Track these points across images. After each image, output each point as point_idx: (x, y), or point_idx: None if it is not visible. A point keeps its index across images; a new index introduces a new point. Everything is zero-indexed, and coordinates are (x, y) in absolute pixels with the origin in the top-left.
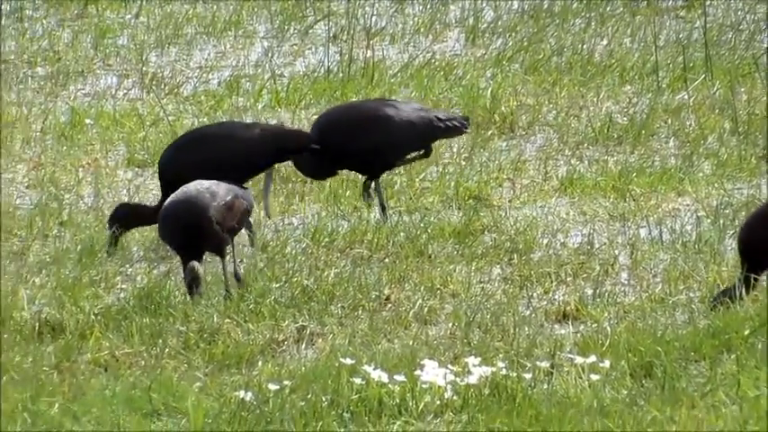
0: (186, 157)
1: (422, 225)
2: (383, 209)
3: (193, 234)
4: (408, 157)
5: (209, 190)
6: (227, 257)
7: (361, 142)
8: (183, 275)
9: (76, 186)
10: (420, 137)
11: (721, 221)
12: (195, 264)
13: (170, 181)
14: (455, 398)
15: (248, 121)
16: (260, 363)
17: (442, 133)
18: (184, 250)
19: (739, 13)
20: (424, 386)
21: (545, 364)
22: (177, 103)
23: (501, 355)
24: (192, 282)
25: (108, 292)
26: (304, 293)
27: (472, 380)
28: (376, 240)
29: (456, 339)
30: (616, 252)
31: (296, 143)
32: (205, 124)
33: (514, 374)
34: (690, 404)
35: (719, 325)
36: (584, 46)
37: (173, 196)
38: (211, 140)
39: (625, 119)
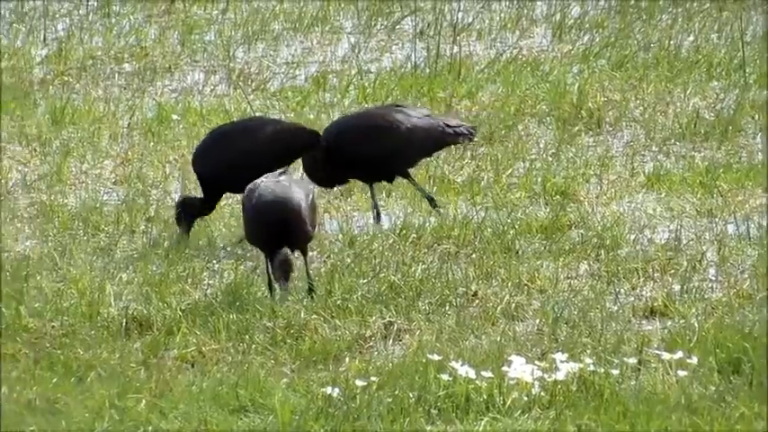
0: (210, 155)
1: (509, 221)
2: (378, 214)
3: (288, 231)
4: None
5: (295, 186)
6: (308, 254)
7: (372, 149)
8: (272, 268)
9: (163, 182)
10: (431, 144)
11: None
12: (286, 250)
13: (201, 177)
14: (542, 394)
15: (268, 117)
16: (347, 359)
17: (452, 139)
18: (277, 248)
19: None
20: (511, 382)
21: (632, 361)
22: (264, 98)
23: (588, 352)
24: (288, 268)
25: (195, 287)
26: (391, 289)
27: (560, 376)
28: (463, 236)
29: (543, 335)
30: (703, 248)
31: (304, 141)
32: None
33: (602, 371)
34: None
35: None
36: (671, 42)
37: (258, 193)
38: (232, 138)
39: (712, 115)
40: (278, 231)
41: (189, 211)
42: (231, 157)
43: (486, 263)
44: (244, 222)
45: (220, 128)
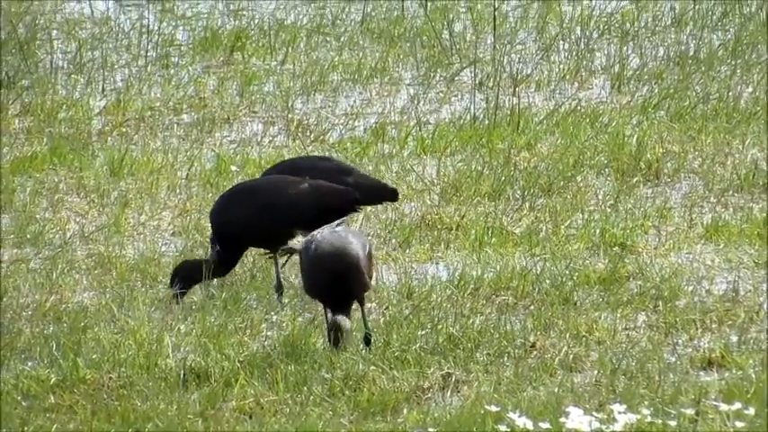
0: (232, 211)
1: (567, 272)
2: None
3: (347, 282)
4: None
5: (352, 237)
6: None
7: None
8: (328, 325)
9: None
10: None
11: None
12: (342, 319)
13: (219, 234)
14: None
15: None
16: (405, 410)
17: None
18: (335, 300)
19: None
20: None
21: (690, 412)
22: (323, 150)
23: (646, 403)
24: (338, 335)
25: (253, 339)
26: (449, 340)
27: (617, 427)
28: (521, 288)
29: (601, 386)
30: (761, 299)
31: (339, 201)
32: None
33: (659, 422)
34: None
35: None
36: (730, 93)
37: (315, 245)
38: (258, 195)
39: None
40: (339, 281)
41: (190, 276)
42: (257, 214)
43: (545, 314)
44: (302, 274)
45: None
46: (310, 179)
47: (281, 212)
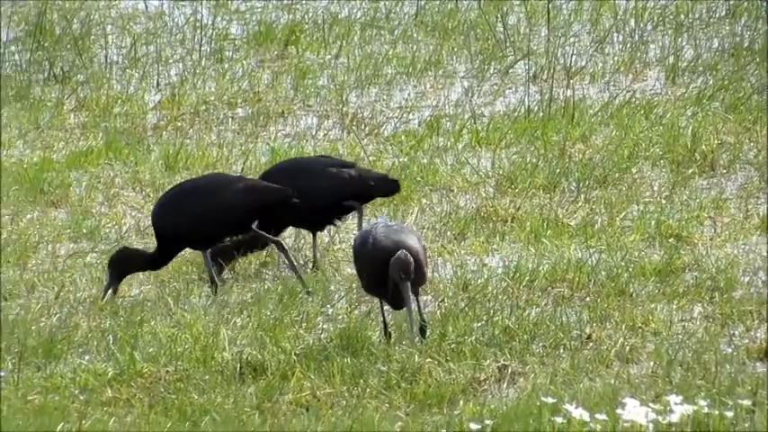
0: (174, 211)
1: (623, 264)
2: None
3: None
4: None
5: (407, 230)
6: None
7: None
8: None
9: None
10: None
11: None
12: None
13: (160, 234)
14: None
15: (234, 175)
16: (461, 402)
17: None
18: (394, 293)
19: None
20: (625, 425)
21: (747, 402)
22: (377, 143)
23: (702, 394)
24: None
25: (309, 332)
26: (505, 333)
27: (674, 418)
28: (577, 279)
29: (657, 378)
30: None
31: (275, 198)
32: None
33: (716, 413)
34: None
35: None
36: None
37: (373, 238)
38: (197, 194)
39: None
40: (398, 275)
41: (125, 266)
42: (196, 212)
43: (601, 306)
44: (360, 269)
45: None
46: (250, 178)
47: (214, 214)
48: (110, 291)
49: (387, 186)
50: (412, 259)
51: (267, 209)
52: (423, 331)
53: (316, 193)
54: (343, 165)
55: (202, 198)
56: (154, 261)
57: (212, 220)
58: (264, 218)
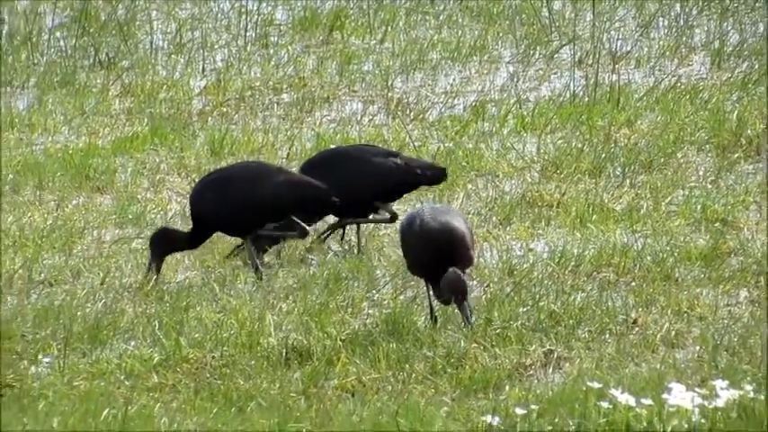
0: (213, 197)
1: (668, 248)
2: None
3: (454, 256)
4: None
5: (454, 212)
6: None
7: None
8: (439, 292)
9: None
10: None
11: None
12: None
13: (197, 219)
14: (702, 421)
15: (274, 165)
16: (507, 387)
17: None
18: (441, 275)
19: None
20: (671, 410)
21: None
22: (423, 128)
23: (748, 378)
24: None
25: (354, 317)
26: (551, 317)
27: (720, 403)
28: (623, 264)
29: (703, 362)
30: None
31: (315, 196)
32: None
33: (762, 397)
34: None
35: None
36: None
37: (420, 221)
38: (237, 182)
39: None
40: (444, 256)
41: (165, 245)
42: (236, 200)
43: (646, 290)
44: (406, 250)
45: (221, 172)
46: (291, 171)
47: (255, 205)
48: (152, 268)
49: (433, 174)
50: (463, 276)
51: (306, 205)
52: (468, 317)
53: (361, 182)
54: (389, 153)
55: (243, 187)
56: (190, 240)
57: (251, 210)
58: (303, 212)
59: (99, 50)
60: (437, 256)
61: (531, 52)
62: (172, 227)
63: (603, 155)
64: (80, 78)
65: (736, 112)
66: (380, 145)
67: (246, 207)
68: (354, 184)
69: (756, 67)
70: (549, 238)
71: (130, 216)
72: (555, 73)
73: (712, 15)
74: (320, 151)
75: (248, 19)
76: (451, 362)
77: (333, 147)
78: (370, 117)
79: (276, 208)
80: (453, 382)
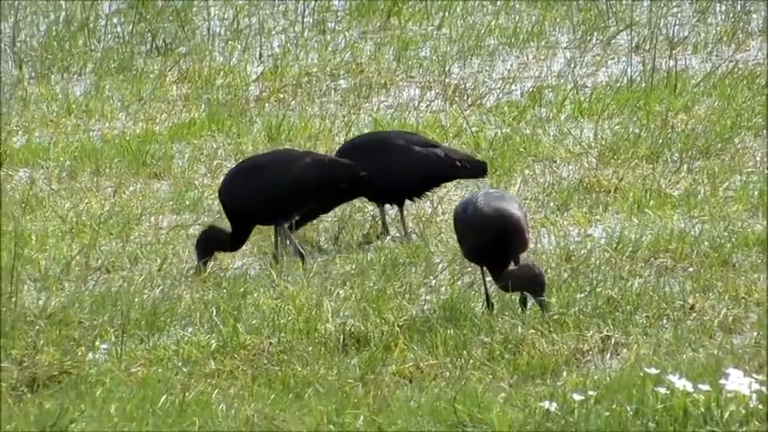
0: (241, 186)
1: (726, 234)
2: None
3: (510, 241)
4: None
5: (508, 197)
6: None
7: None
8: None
9: None
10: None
11: None
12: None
13: (228, 211)
14: (760, 407)
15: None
16: (564, 373)
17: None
18: (496, 259)
19: None
20: (728, 395)
21: None
22: (480, 114)
23: None
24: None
25: (412, 303)
26: (608, 303)
27: None
28: (680, 250)
29: (761, 348)
30: None
31: (345, 174)
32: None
33: None
34: None
35: None
36: None
37: (474, 206)
38: (266, 169)
39: None
40: (500, 241)
41: (211, 245)
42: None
43: (704, 276)
44: (461, 236)
45: (247, 161)
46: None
47: (286, 188)
48: (201, 268)
49: (474, 167)
50: (541, 271)
51: (337, 184)
52: (525, 303)
53: (400, 171)
54: (428, 144)
55: (272, 172)
56: (231, 242)
57: (283, 194)
58: (335, 193)
59: (156, 36)
60: (493, 242)
61: (589, 38)
62: (218, 227)
63: (661, 140)
64: (137, 64)
65: None
66: (436, 131)
67: (278, 191)
68: (393, 171)
69: None
70: (607, 223)
71: (187, 202)
72: (612, 58)
73: None
74: (359, 136)
75: (305, 5)
76: (509, 348)
77: (368, 132)
78: (428, 103)
79: (306, 189)
80: (511, 368)
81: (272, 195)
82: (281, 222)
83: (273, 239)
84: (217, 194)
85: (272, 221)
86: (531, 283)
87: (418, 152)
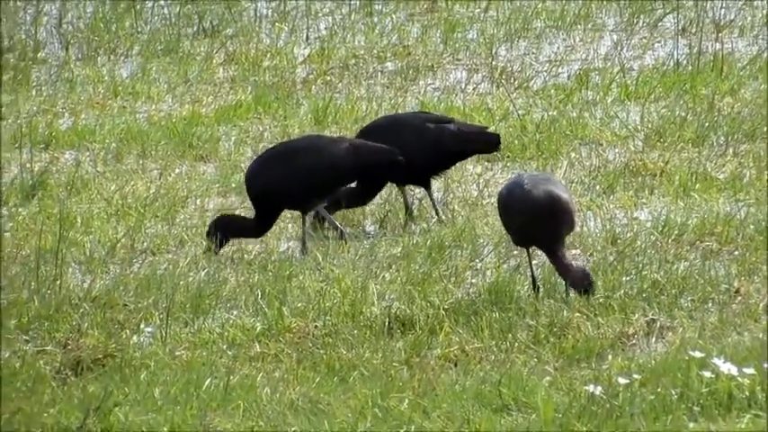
0: (272, 171)
1: None
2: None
3: (558, 222)
4: None
5: (553, 179)
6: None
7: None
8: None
9: None
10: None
11: None
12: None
13: (256, 196)
14: None
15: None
16: (609, 356)
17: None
18: (544, 240)
19: None
20: None
21: None
22: (527, 97)
23: None
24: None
25: (457, 286)
26: (654, 287)
27: None
28: (726, 233)
29: None
30: None
31: (382, 158)
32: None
33: None
34: None
35: None
36: None
37: (521, 188)
38: (297, 154)
39: None
40: (548, 223)
41: (228, 232)
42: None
43: (749, 260)
44: (507, 217)
45: (279, 147)
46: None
47: (321, 173)
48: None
49: (487, 140)
50: (588, 270)
51: (373, 168)
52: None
53: (415, 150)
54: (441, 120)
55: (305, 156)
56: (257, 227)
57: (316, 179)
58: (369, 177)
59: (203, 18)
60: (541, 224)
61: (635, 21)
62: (231, 214)
63: (707, 124)
64: (184, 46)
65: None
66: (483, 114)
67: (314, 175)
68: (409, 152)
69: None
70: (653, 206)
71: (233, 185)
72: (658, 41)
73: None
74: (375, 119)
75: None
76: (554, 331)
77: (387, 114)
78: (474, 86)
79: (342, 174)
80: (556, 352)
81: (308, 180)
82: (311, 208)
83: (302, 227)
84: (243, 180)
85: (303, 206)
86: (579, 287)
87: (430, 129)
